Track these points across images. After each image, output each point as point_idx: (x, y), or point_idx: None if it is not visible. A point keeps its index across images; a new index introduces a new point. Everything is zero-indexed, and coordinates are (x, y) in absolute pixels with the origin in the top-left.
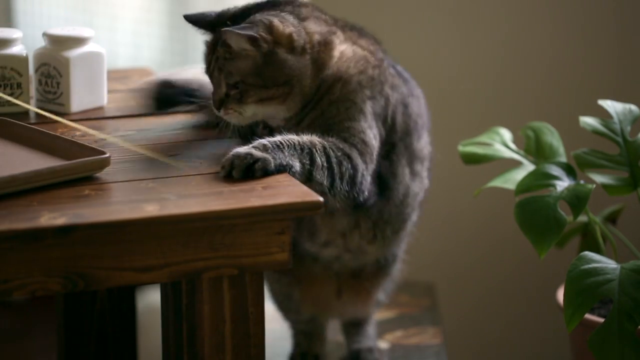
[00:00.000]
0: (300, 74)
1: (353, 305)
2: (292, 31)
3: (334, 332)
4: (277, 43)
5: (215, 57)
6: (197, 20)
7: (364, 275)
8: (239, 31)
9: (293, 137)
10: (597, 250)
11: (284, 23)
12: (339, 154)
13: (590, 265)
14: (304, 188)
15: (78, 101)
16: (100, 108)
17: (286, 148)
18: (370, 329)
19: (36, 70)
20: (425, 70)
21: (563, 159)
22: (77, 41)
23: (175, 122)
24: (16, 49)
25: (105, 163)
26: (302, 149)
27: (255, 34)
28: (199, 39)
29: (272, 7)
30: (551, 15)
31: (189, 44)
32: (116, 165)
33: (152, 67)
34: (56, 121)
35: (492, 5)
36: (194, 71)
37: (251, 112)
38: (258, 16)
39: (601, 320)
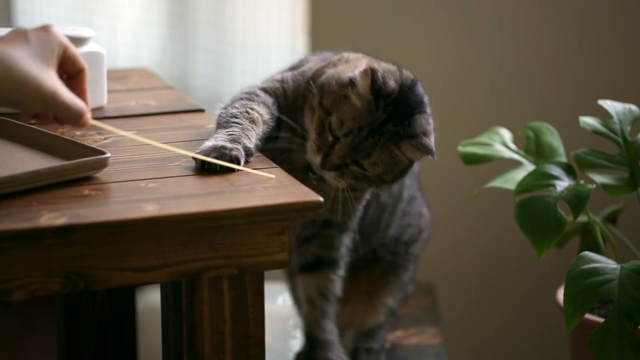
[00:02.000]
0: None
1: (362, 313)
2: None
3: None
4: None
5: (376, 140)
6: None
7: (371, 278)
8: (431, 148)
9: None
10: (597, 250)
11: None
12: None
13: (590, 265)
14: (304, 188)
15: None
16: (100, 108)
17: None
18: (381, 332)
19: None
20: (426, 70)
21: (563, 159)
22: (77, 41)
23: (175, 122)
24: None
25: (104, 163)
26: None
27: (435, 157)
28: (199, 39)
29: (424, 107)
30: (551, 15)
31: (189, 44)
32: (116, 165)
33: (152, 67)
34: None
35: (492, 5)
36: None
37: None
38: (424, 124)
39: (601, 320)
